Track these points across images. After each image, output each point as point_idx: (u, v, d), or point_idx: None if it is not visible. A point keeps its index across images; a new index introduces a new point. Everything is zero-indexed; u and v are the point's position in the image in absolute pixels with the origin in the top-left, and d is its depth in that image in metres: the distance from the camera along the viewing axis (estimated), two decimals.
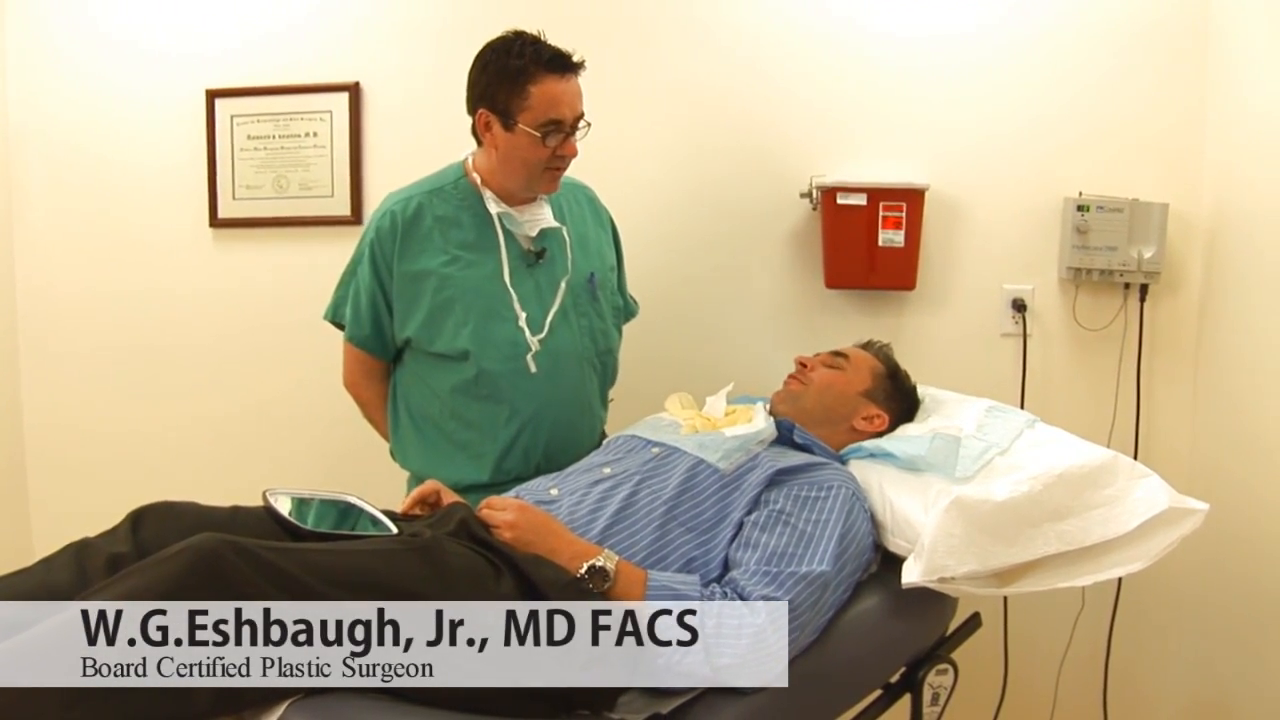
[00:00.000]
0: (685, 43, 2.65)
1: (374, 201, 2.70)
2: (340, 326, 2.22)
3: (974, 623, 1.88)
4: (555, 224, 2.14)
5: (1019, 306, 2.57)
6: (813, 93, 2.61)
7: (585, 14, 2.62)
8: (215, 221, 2.87)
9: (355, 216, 2.78)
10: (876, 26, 2.58)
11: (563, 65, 1.98)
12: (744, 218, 2.66)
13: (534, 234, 2.12)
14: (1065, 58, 2.52)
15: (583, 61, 2.01)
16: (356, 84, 2.77)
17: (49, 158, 2.94)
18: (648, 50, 2.66)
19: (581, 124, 2.03)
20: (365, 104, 2.78)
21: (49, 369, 3.00)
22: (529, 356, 2.07)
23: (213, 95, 2.83)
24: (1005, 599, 2.52)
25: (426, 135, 2.71)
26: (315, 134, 2.80)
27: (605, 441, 2.05)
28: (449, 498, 1.86)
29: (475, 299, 2.07)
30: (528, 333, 2.08)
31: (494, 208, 2.09)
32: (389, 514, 1.67)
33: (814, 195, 2.56)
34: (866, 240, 2.51)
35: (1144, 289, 2.52)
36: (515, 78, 1.96)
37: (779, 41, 2.61)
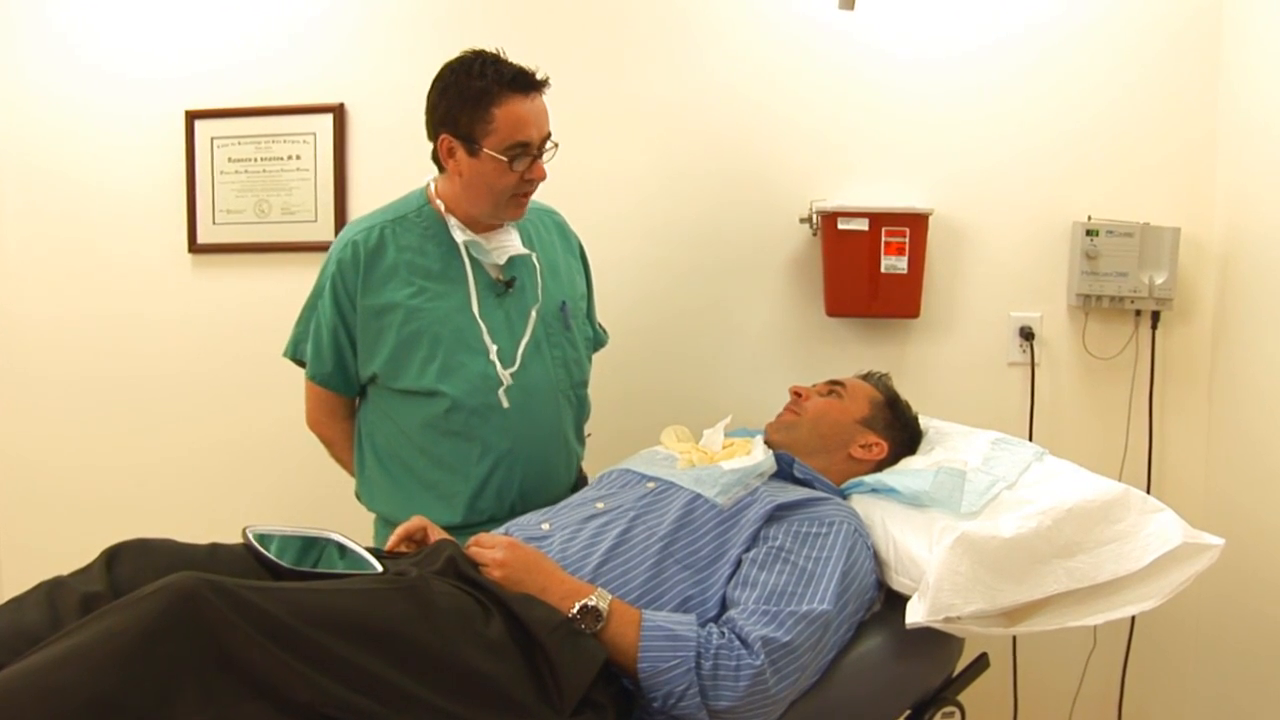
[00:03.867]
0: (679, 62, 2.67)
1: None
2: (300, 364, 2.20)
3: (981, 663, 1.88)
4: (524, 251, 2.12)
5: (1027, 335, 2.59)
6: (812, 114, 2.63)
7: (573, 34, 2.65)
8: (194, 247, 2.88)
9: None
10: (879, 47, 2.60)
11: (527, 84, 1.96)
12: (741, 244, 2.68)
13: (502, 262, 2.11)
14: (1073, 79, 2.55)
15: (547, 79, 1.99)
16: (341, 105, 2.78)
17: (21, 181, 2.95)
18: (641, 71, 2.67)
19: (549, 144, 2.01)
20: (350, 126, 2.80)
21: (19, 399, 3.00)
22: (500, 391, 2.05)
23: (192, 116, 2.84)
24: (1014, 639, 2.53)
25: (413, 158, 2.69)
26: (298, 157, 2.81)
27: (599, 476, 2.05)
28: (436, 534, 1.86)
29: (443, 331, 2.05)
30: (499, 366, 2.06)
31: (460, 236, 2.07)
32: (374, 552, 1.67)
33: (814, 220, 2.57)
34: (869, 267, 2.52)
35: (1156, 316, 2.53)
36: (478, 100, 1.94)
37: (777, 61, 2.63)
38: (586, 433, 2.32)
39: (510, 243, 2.11)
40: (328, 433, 2.26)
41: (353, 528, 1.76)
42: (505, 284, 2.11)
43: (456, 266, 2.08)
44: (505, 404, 2.06)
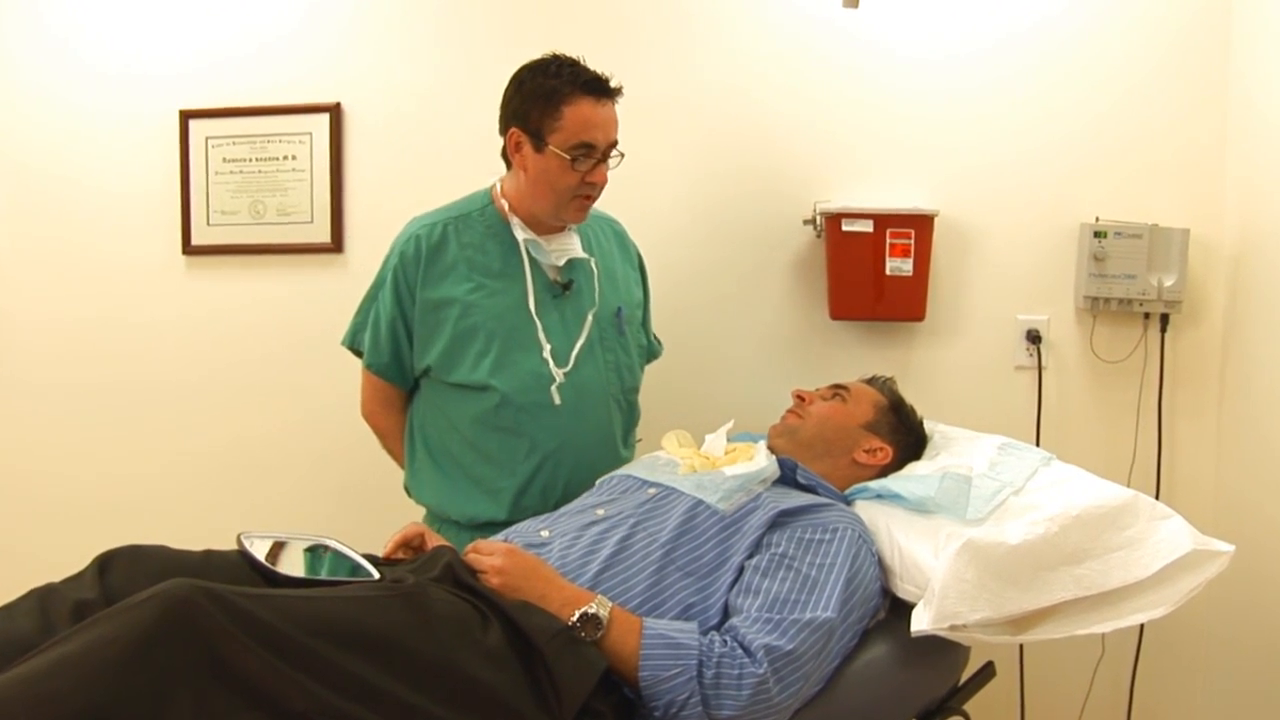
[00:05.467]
0: (679, 61, 2.68)
1: (356, 228, 2.73)
2: (358, 353, 2.25)
3: (988, 672, 1.87)
4: (583, 255, 2.17)
5: (1034, 338, 2.59)
6: (816, 114, 2.63)
7: (577, 34, 2.64)
8: (189, 248, 2.88)
9: (336, 244, 2.80)
10: (883, 46, 2.60)
11: (599, 89, 2.03)
12: (744, 245, 2.68)
13: (561, 264, 2.16)
14: (1080, 77, 2.55)
15: (620, 88, 2.06)
16: (338, 105, 2.79)
17: (10, 180, 2.95)
18: (640, 69, 2.64)
19: (614, 152, 2.07)
20: (347, 126, 2.80)
21: (9, 403, 3.00)
22: (553, 388, 2.10)
23: (186, 116, 2.85)
24: (1021, 647, 2.52)
25: (411, 158, 2.74)
26: (294, 157, 2.81)
27: (599, 481, 2.05)
28: (433, 540, 1.86)
29: (498, 328, 2.11)
30: (552, 364, 2.10)
31: (521, 234, 2.12)
32: (370, 558, 1.66)
33: (818, 222, 2.57)
34: (873, 269, 2.52)
35: (1165, 319, 2.53)
36: (550, 97, 2.01)
37: (779, 59, 2.63)
38: (636, 438, 2.35)
39: (570, 246, 2.17)
40: (382, 424, 2.31)
41: (352, 532, 1.76)
42: (563, 285, 2.17)
43: (515, 265, 2.14)
44: (557, 400, 2.10)
